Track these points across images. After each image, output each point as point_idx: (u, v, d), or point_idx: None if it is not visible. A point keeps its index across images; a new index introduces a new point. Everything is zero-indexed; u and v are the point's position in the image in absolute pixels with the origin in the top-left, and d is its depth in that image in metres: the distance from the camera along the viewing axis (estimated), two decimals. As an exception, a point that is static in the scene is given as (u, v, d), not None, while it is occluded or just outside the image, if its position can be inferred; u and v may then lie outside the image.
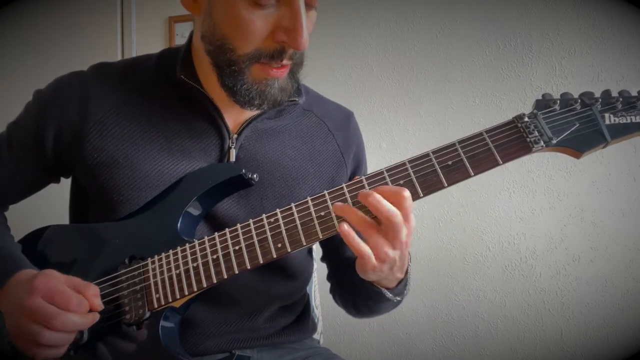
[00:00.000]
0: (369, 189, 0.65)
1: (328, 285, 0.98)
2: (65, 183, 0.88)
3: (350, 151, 0.90)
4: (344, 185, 0.67)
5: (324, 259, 0.97)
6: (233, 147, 0.79)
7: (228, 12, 0.67)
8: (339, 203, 0.65)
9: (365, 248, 0.62)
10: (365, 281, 0.72)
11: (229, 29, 0.68)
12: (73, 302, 0.63)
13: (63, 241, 0.79)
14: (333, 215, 0.65)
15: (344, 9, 1.88)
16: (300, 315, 0.92)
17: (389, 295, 0.74)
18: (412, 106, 1.81)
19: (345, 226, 0.62)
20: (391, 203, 0.61)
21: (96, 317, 0.66)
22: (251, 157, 0.80)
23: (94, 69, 0.82)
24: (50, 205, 1.23)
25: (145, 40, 2.19)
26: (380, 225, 0.62)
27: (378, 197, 0.61)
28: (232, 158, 0.79)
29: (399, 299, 0.76)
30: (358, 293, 0.83)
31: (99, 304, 0.66)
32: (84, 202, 0.83)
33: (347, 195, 0.66)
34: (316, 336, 1.01)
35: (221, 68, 0.72)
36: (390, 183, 0.65)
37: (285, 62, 0.70)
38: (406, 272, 0.73)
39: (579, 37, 1.64)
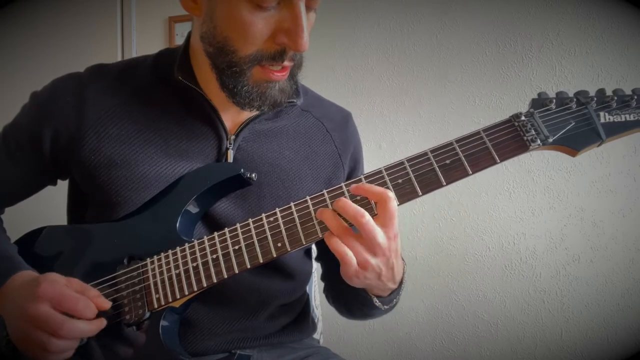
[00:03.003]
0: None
1: (327, 285, 0.97)
2: (63, 184, 0.88)
3: (348, 152, 0.90)
4: (342, 184, 0.67)
5: (318, 259, 0.96)
6: (231, 148, 0.79)
7: (229, 13, 0.67)
8: (322, 208, 0.65)
9: (346, 252, 0.61)
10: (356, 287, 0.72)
11: (230, 31, 0.68)
12: (80, 305, 0.63)
13: (60, 242, 0.78)
14: (315, 221, 0.66)
15: (344, 9, 1.88)
16: (300, 314, 0.92)
17: (377, 303, 0.73)
18: (412, 106, 1.81)
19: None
20: (375, 202, 0.62)
21: (103, 323, 0.66)
22: (249, 158, 0.80)
23: (91, 71, 0.82)
24: (48, 206, 1.23)
25: (145, 40, 2.19)
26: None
27: (344, 200, 0.62)
28: (230, 159, 0.79)
29: (386, 307, 0.75)
30: (350, 296, 0.82)
31: (103, 303, 0.67)
32: (81, 203, 0.82)
33: (346, 195, 0.66)
34: (316, 336, 1.01)
35: (221, 69, 0.72)
36: (389, 182, 0.65)
37: (286, 63, 0.71)
38: (400, 283, 0.72)
39: (579, 37, 1.64)
